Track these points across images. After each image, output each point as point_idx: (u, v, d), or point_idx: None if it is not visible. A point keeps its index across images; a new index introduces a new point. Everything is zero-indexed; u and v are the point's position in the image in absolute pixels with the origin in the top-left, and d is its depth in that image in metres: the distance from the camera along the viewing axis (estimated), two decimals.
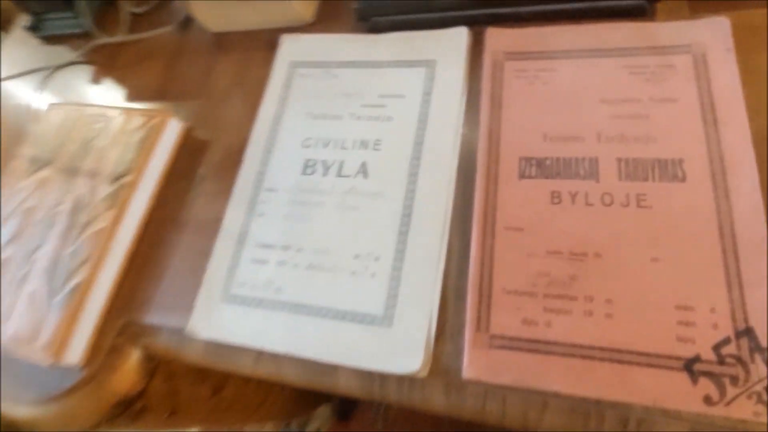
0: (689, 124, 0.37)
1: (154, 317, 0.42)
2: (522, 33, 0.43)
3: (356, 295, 0.38)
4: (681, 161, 0.36)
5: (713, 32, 0.39)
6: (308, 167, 0.44)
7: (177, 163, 0.49)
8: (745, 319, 0.31)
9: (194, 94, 0.52)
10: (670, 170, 0.36)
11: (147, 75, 0.55)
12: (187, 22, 0.57)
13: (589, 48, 0.41)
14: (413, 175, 0.41)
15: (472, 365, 0.34)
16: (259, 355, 0.39)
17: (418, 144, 0.42)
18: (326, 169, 0.43)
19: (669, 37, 0.40)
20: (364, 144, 0.43)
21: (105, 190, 0.46)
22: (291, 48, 0.50)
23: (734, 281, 0.32)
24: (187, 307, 0.41)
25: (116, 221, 0.44)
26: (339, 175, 0.43)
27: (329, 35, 0.50)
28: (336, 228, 0.41)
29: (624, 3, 0.42)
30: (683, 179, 0.35)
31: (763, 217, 0.33)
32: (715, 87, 0.37)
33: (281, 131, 0.46)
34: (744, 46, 0.38)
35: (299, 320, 0.38)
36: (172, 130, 0.49)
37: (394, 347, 0.35)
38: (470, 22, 0.45)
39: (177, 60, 0.55)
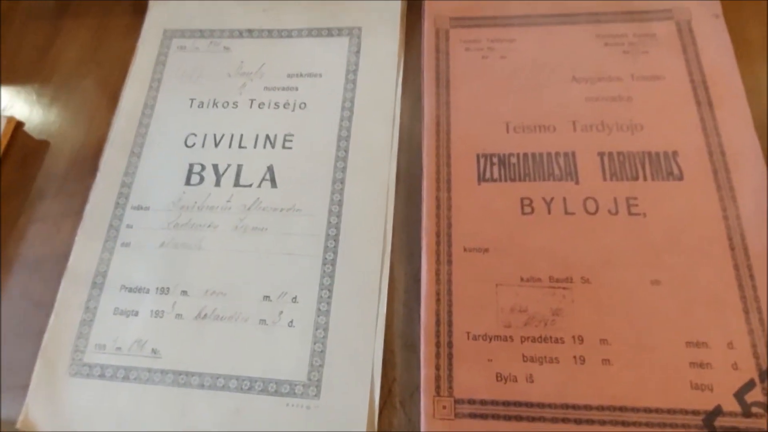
0: (680, 108, 0.30)
1: None
2: None
3: (268, 354, 0.27)
4: (675, 154, 0.28)
5: None
6: (193, 174, 0.32)
7: (4, 174, 0.34)
8: None
9: (27, 76, 0.37)
10: (663, 166, 0.28)
11: None
12: None
13: (553, 13, 0.33)
14: (339, 182, 0.30)
15: None
16: None
17: (344, 138, 0.31)
18: (219, 175, 0.32)
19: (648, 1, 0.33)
20: (269, 140, 0.32)
21: None
22: (165, 12, 0.37)
23: (752, 305, 0.25)
24: (21, 386, 0.28)
25: None
26: (237, 184, 0.31)
27: None
28: (235, 259, 0.29)
29: None
30: (680, 177, 0.28)
31: None
32: (706, 61, 0.30)
33: (154, 125, 0.34)
34: (731, 13, 0.32)
35: (186, 396, 0.27)
36: None
37: (324, 425, 0.25)
38: None
39: (2, 29, 0.40)
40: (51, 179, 0.34)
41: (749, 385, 0.24)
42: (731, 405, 0.24)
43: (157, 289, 0.29)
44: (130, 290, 0.29)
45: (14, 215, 0.33)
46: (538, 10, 0.33)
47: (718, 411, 0.24)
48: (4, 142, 0.35)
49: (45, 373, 0.28)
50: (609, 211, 0.28)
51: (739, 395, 0.24)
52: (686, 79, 0.30)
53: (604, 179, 0.28)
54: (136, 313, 0.29)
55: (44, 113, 0.36)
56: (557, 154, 0.29)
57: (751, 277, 0.26)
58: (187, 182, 0.32)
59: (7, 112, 0.36)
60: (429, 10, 0.34)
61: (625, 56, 0.31)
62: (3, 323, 0.30)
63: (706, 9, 0.32)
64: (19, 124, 0.35)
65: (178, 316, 0.28)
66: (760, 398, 0.24)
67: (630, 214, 0.28)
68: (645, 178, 0.28)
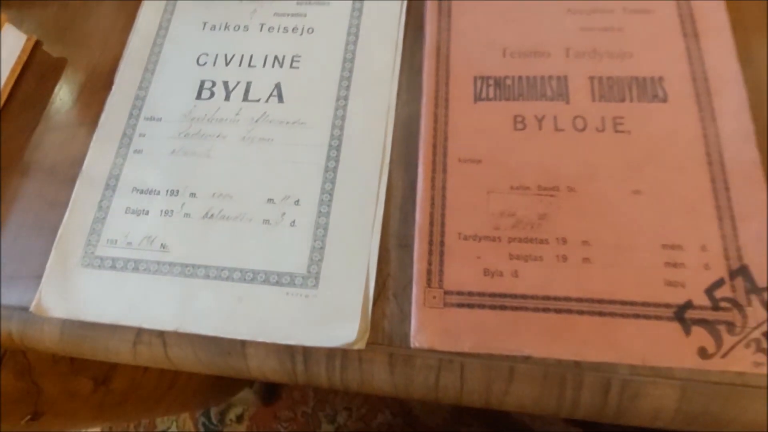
0: (668, 38, 0.31)
1: None
2: None
3: (270, 250, 0.29)
4: (661, 79, 0.30)
5: None
6: (204, 89, 0.33)
7: (20, 88, 0.36)
8: (739, 257, 0.26)
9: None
10: (649, 89, 0.30)
11: None
12: None
13: None
14: (342, 99, 0.32)
15: (423, 330, 0.26)
16: (139, 334, 0.29)
17: (348, 60, 0.33)
18: (228, 91, 0.33)
19: None
20: (278, 60, 0.34)
21: None
22: None
23: (725, 214, 0.27)
24: (35, 276, 0.30)
25: None
26: (246, 99, 0.33)
27: None
28: (242, 166, 0.31)
29: None
30: (664, 99, 0.30)
31: (754, 141, 0.28)
32: None
33: (168, 44, 0.35)
34: None
35: (191, 286, 0.28)
36: (12, 44, 0.36)
37: (321, 314, 0.27)
38: None
39: None
40: (68, 93, 0.35)
41: (719, 283, 0.26)
42: (701, 300, 0.26)
43: (167, 191, 0.31)
44: (142, 192, 0.31)
45: (32, 124, 0.34)
46: None
47: (688, 305, 0.26)
48: (24, 57, 0.36)
49: (58, 263, 0.30)
50: (596, 129, 0.29)
51: (709, 291, 0.26)
52: (675, 13, 0.32)
53: (593, 100, 0.30)
54: (147, 212, 0.31)
55: (62, 33, 0.37)
56: (550, 77, 0.31)
57: (726, 188, 0.27)
58: (198, 96, 0.33)
59: (27, 32, 0.37)
60: None
61: None
62: (18, 221, 0.32)
63: None
64: (38, 43, 0.37)
65: (186, 215, 0.30)
66: (729, 294, 0.26)
67: (616, 131, 0.29)
68: (631, 100, 0.30)
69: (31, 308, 0.29)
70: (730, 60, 0.30)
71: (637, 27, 0.32)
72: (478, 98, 0.31)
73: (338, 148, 0.31)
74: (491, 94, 0.31)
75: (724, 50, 0.30)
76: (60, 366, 0.41)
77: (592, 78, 0.31)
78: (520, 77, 0.31)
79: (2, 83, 0.35)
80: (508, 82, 0.31)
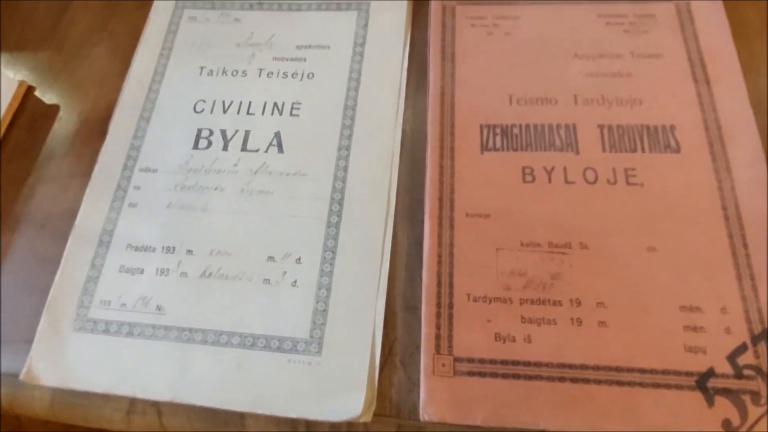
0: (678, 84, 0.30)
1: None
2: None
3: (271, 312, 0.28)
4: (673, 128, 0.29)
5: None
6: (201, 138, 0.32)
7: (11, 136, 0.35)
8: (761, 320, 0.25)
9: (39, 44, 0.38)
10: (661, 139, 0.29)
11: None
12: None
13: None
14: (344, 149, 0.31)
15: (432, 401, 0.25)
16: (133, 403, 0.27)
17: (350, 107, 0.32)
18: (226, 140, 0.32)
19: None
20: (277, 107, 0.33)
21: None
22: None
23: (744, 273, 0.26)
24: (24, 340, 0.28)
25: None
26: (244, 148, 0.32)
27: None
28: (241, 220, 0.30)
29: None
30: (677, 149, 0.29)
31: None
32: (704, 41, 0.31)
33: (164, 90, 0.34)
34: None
35: (189, 352, 0.27)
36: (4, 89, 0.35)
37: (325, 383, 0.26)
38: None
39: None
40: (60, 141, 0.34)
41: (741, 349, 0.25)
42: (724, 367, 0.24)
43: (163, 248, 0.30)
44: (136, 249, 0.30)
45: (23, 175, 0.33)
46: None
47: (710, 373, 0.24)
48: (15, 104, 0.35)
49: (50, 327, 0.29)
50: (608, 181, 0.28)
51: (732, 358, 0.25)
52: (684, 58, 0.31)
53: (604, 151, 0.29)
54: (142, 271, 0.29)
55: (55, 79, 0.36)
56: (558, 125, 0.30)
57: (745, 245, 0.26)
58: (195, 146, 0.32)
59: (19, 77, 0.36)
60: None
61: (626, 35, 0.32)
62: (8, 279, 0.31)
63: None
64: (30, 89, 0.36)
65: (183, 274, 0.29)
66: (752, 361, 0.24)
67: (628, 184, 0.28)
68: (643, 150, 0.29)
69: (21, 376, 0.28)
70: (743, 107, 0.29)
71: (646, 72, 0.31)
72: (484, 148, 0.30)
73: (341, 202, 0.30)
74: (498, 144, 0.30)
75: (736, 96, 0.30)
76: (53, 428, 0.40)
77: (601, 126, 0.30)
78: (527, 125, 0.30)
79: None
80: (516, 130, 0.30)
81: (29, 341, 0.28)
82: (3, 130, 0.34)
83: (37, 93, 0.36)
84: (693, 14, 0.32)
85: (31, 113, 0.35)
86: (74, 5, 0.39)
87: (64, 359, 0.28)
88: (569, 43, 0.32)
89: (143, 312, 0.28)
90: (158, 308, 0.28)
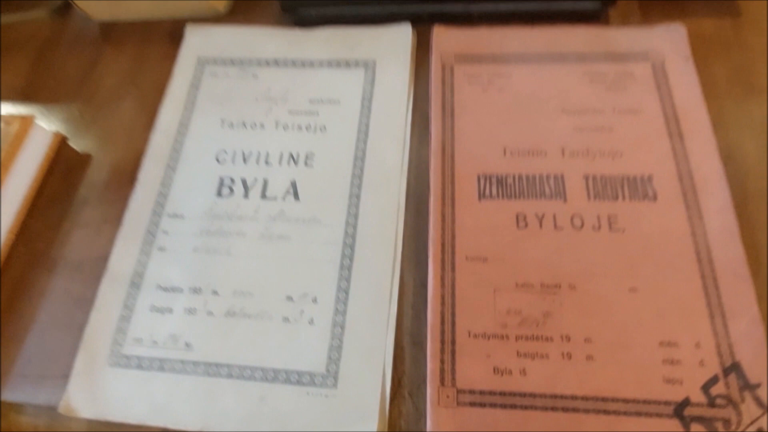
0: (655, 138, 0.34)
1: (14, 391, 0.32)
2: (473, 34, 0.39)
3: (290, 348, 0.30)
4: (650, 178, 0.33)
5: (670, 40, 0.37)
6: (224, 187, 0.35)
7: (48, 184, 0.38)
8: (732, 354, 0.28)
9: (72, 96, 0.41)
10: (640, 188, 0.32)
11: (7, 70, 0.43)
12: (64, 7, 0.46)
13: (545, 52, 0.37)
14: (355, 197, 0.34)
15: (438, 428, 0.28)
16: None
17: (359, 159, 0.35)
18: (247, 189, 0.35)
19: (626, 43, 0.37)
20: (293, 158, 0.36)
21: None
22: (199, 41, 0.41)
23: (716, 311, 0.29)
24: (62, 375, 0.31)
25: None
26: (263, 196, 0.35)
27: (246, 27, 0.42)
28: (261, 263, 0.33)
29: (578, 6, 0.39)
30: (654, 198, 0.32)
31: (739, 239, 0.30)
32: (677, 98, 0.35)
33: (188, 143, 0.37)
34: (699, 55, 0.36)
35: (216, 385, 0.30)
36: (40, 141, 0.38)
37: (340, 414, 0.28)
38: (414, 19, 0.40)
39: (49, 53, 0.44)
40: (93, 189, 0.37)
41: (714, 380, 0.28)
42: (698, 397, 0.27)
43: (190, 289, 0.33)
44: (165, 290, 0.33)
45: (58, 221, 0.36)
46: (531, 50, 0.38)
47: (686, 402, 0.27)
48: (51, 155, 0.38)
49: (86, 362, 0.31)
50: (593, 227, 0.32)
51: (705, 388, 0.27)
52: (660, 113, 0.34)
53: (589, 199, 0.32)
54: (171, 311, 0.32)
55: (87, 129, 0.40)
56: (548, 176, 0.33)
57: (716, 286, 0.29)
58: (219, 194, 0.35)
59: (53, 128, 0.39)
60: (436, 47, 0.38)
61: (608, 92, 0.36)
62: (46, 318, 0.33)
63: (678, 52, 0.36)
64: (63, 139, 0.39)
65: (209, 313, 0.32)
66: (723, 391, 0.27)
67: (611, 230, 0.31)
68: (624, 199, 0.32)
69: (59, 409, 0.30)
70: (713, 159, 0.33)
71: (626, 127, 0.34)
72: (482, 196, 0.33)
73: (352, 246, 0.33)
74: (494, 193, 0.33)
75: (707, 150, 0.33)
76: None
77: (586, 177, 0.33)
78: (520, 176, 0.34)
79: (31, 180, 0.37)
80: (510, 180, 0.33)
81: (66, 376, 0.31)
82: (40, 179, 0.37)
83: (70, 143, 0.39)
84: (667, 73, 0.36)
85: (65, 162, 0.38)
86: (103, 60, 0.43)
87: (100, 392, 0.30)
88: (557, 99, 0.36)
89: (173, 348, 0.31)
90: (187, 345, 0.31)
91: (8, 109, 0.41)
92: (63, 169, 0.38)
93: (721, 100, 0.35)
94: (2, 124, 0.37)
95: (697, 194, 0.32)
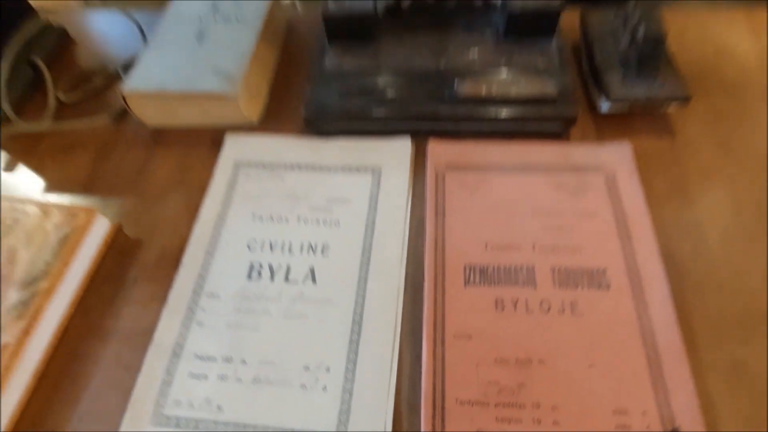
0: (608, 237, 0.42)
1: None
2: (461, 147, 0.48)
3: (307, 411, 0.36)
4: (604, 271, 0.40)
5: (619, 155, 0.46)
6: (254, 271, 0.43)
7: (104, 265, 0.45)
8: (672, 421, 0.34)
9: (126, 191, 0.49)
10: (596, 279, 0.40)
11: (73, 167, 0.52)
12: (122, 115, 0.55)
13: (519, 164, 0.46)
14: (362, 281, 0.41)
15: None
16: None
17: (367, 250, 0.43)
18: (273, 273, 0.42)
19: (584, 157, 0.46)
20: (312, 248, 0.43)
21: (14, 297, 0.41)
22: (236, 147, 0.50)
23: (659, 385, 0.35)
24: None
25: (25, 335, 0.39)
26: (286, 280, 0.42)
27: (276, 137, 0.51)
28: (283, 337, 0.39)
29: (545, 126, 0.48)
30: (608, 288, 0.39)
31: (676, 325, 0.37)
32: (626, 205, 0.43)
33: (224, 232, 0.45)
34: (643, 168, 0.45)
35: None
36: (99, 229, 0.45)
37: None
38: (413, 133, 0.49)
39: (108, 153, 0.53)
40: (142, 270, 0.44)
41: None
42: None
43: (223, 358, 0.39)
44: (202, 359, 0.39)
45: (112, 297, 0.43)
46: (509, 162, 0.46)
47: None
48: (108, 240, 0.46)
49: (132, 421, 0.37)
50: (558, 311, 0.38)
51: None
52: (612, 217, 0.42)
53: (555, 287, 0.40)
54: (206, 377, 0.38)
55: (139, 219, 0.47)
56: (521, 267, 0.41)
57: (659, 364, 0.36)
58: (249, 277, 0.42)
59: (111, 218, 0.47)
60: (431, 157, 0.47)
61: (570, 198, 0.44)
62: (98, 382, 0.39)
63: (626, 166, 0.45)
64: (119, 227, 0.47)
65: (238, 380, 0.38)
66: None
67: (573, 314, 0.38)
68: (583, 288, 0.39)
69: None
70: (654, 257, 0.40)
71: (584, 227, 0.42)
72: (467, 283, 0.40)
73: (360, 324, 0.39)
74: (477, 280, 0.40)
75: (649, 249, 0.41)
76: None
77: (553, 268, 0.40)
78: (498, 266, 0.41)
79: (90, 261, 0.44)
80: (490, 270, 0.41)
81: None
82: (97, 261, 0.45)
83: (124, 230, 0.47)
84: (617, 183, 0.44)
85: (119, 246, 0.46)
86: (154, 160, 0.51)
87: None
88: (529, 203, 0.44)
89: (207, 410, 0.37)
90: (218, 407, 0.37)
91: (73, 200, 0.49)
92: (117, 252, 0.45)
93: (661, 207, 0.43)
94: (69, 216, 0.45)
95: (643, 286, 0.39)
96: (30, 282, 0.41)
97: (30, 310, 0.40)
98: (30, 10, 0.61)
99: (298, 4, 0.70)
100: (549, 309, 0.39)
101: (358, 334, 0.39)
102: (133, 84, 0.50)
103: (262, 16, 0.56)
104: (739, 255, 0.41)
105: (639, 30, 0.47)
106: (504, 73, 0.49)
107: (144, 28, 0.62)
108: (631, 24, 0.48)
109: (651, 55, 0.47)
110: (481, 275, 0.41)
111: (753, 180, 0.45)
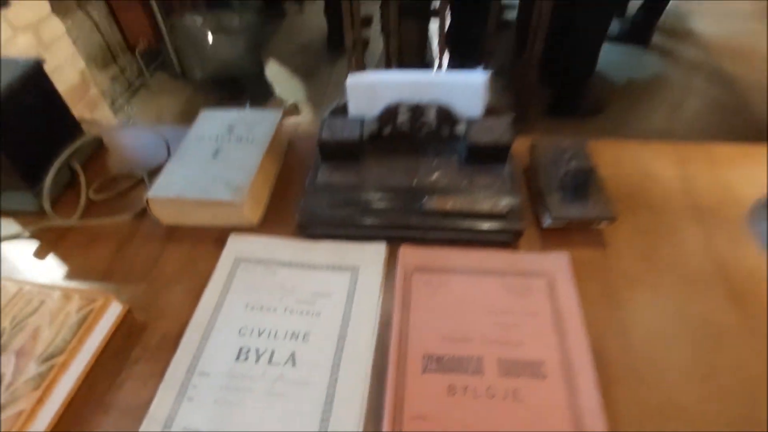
0: (546, 333, 0.49)
1: None
2: (428, 252, 0.57)
3: None
4: (542, 363, 0.47)
5: (559, 263, 0.54)
6: (242, 354, 0.49)
7: (112, 344, 0.51)
8: None
9: (139, 278, 0.57)
10: (535, 370, 0.46)
11: (94, 257, 0.60)
12: (143, 213, 0.65)
13: (475, 268, 0.55)
14: (336, 366, 0.48)
15: None
16: None
17: (342, 338, 0.50)
18: (258, 356, 0.49)
19: (530, 264, 0.55)
20: (294, 335, 0.50)
21: (32, 370, 0.47)
22: (237, 245, 0.59)
23: None
24: None
25: (39, 404, 0.44)
26: (270, 362, 0.48)
27: (272, 238, 0.60)
28: (265, 413, 0.45)
29: (498, 237, 0.57)
30: (544, 378, 0.46)
31: (602, 412, 0.43)
32: (563, 306, 0.51)
33: (220, 319, 0.52)
34: (579, 274, 0.53)
35: None
36: (113, 312, 0.53)
37: None
38: (388, 239, 0.58)
39: (127, 245, 0.61)
40: (145, 350, 0.51)
41: None
42: None
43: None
44: None
45: (116, 372, 0.49)
46: (466, 266, 0.55)
47: None
48: (118, 322, 0.53)
49: None
50: (502, 397, 0.45)
51: None
52: (550, 316, 0.50)
53: (500, 376, 0.46)
54: None
55: (148, 304, 0.55)
56: (471, 357, 0.47)
57: None
58: (237, 359, 0.49)
59: (123, 302, 0.54)
60: (401, 260, 0.56)
61: (517, 299, 0.52)
62: None
63: (563, 272, 0.54)
64: (130, 310, 0.54)
65: None
66: None
67: (515, 400, 0.44)
68: (524, 377, 0.46)
69: None
70: (585, 352, 0.47)
71: (527, 324, 0.50)
72: (425, 370, 0.47)
73: (331, 404, 0.45)
74: (434, 368, 0.47)
75: (581, 344, 0.48)
76: None
77: (499, 359, 0.47)
78: (452, 356, 0.48)
79: (101, 340, 0.51)
80: (445, 359, 0.47)
81: None
82: (107, 339, 0.51)
83: (134, 313, 0.54)
84: (556, 287, 0.53)
85: (127, 328, 0.53)
86: (166, 253, 0.60)
87: None
88: (482, 302, 0.52)
89: None
90: None
91: (92, 285, 0.57)
92: (124, 333, 0.52)
93: (593, 308, 0.51)
94: (88, 300, 0.52)
95: (574, 377, 0.46)
96: (48, 357, 0.48)
97: (45, 381, 0.46)
98: (78, 127, 0.74)
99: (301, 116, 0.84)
100: (494, 396, 0.45)
101: (329, 412, 0.45)
102: (156, 190, 0.60)
103: (269, 137, 0.68)
104: (659, 352, 0.48)
105: (571, 163, 0.58)
106: (465, 192, 0.60)
107: (169, 142, 0.74)
108: (564, 158, 0.60)
109: (582, 183, 0.58)
110: (437, 363, 0.47)
111: (672, 287, 0.54)
